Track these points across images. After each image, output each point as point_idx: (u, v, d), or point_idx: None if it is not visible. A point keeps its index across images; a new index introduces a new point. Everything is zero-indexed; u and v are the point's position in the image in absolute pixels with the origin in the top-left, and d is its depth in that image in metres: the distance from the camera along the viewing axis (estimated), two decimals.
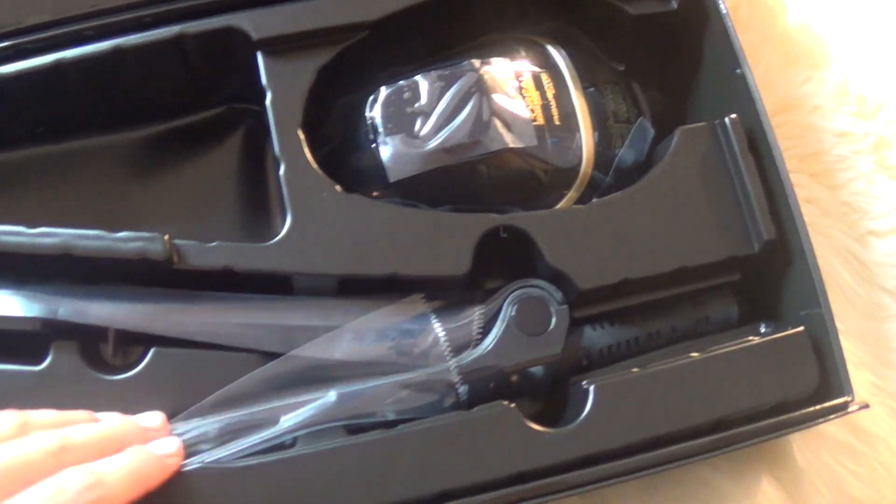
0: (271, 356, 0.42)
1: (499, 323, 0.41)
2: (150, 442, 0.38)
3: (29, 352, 0.44)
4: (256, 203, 0.47)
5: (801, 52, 0.52)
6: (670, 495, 0.46)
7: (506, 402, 0.40)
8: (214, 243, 0.41)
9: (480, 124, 0.42)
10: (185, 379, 0.43)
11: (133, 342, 0.44)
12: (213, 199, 0.47)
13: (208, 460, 0.40)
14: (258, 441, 0.41)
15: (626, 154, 0.44)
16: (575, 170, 0.43)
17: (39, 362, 0.43)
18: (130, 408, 0.42)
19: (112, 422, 0.38)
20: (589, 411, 0.40)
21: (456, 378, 0.41)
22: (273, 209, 0.47)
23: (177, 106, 0.47)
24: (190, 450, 0.40)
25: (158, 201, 0.47)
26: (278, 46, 0.43)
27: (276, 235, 0.41)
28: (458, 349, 0.41)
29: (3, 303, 0.42)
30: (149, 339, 0.43)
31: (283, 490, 0.39)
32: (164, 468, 0.37)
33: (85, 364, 0.43)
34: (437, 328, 0.41)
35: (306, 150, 0.42)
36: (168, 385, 0.43)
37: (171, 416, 0.41)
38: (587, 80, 0.44)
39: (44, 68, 0.43)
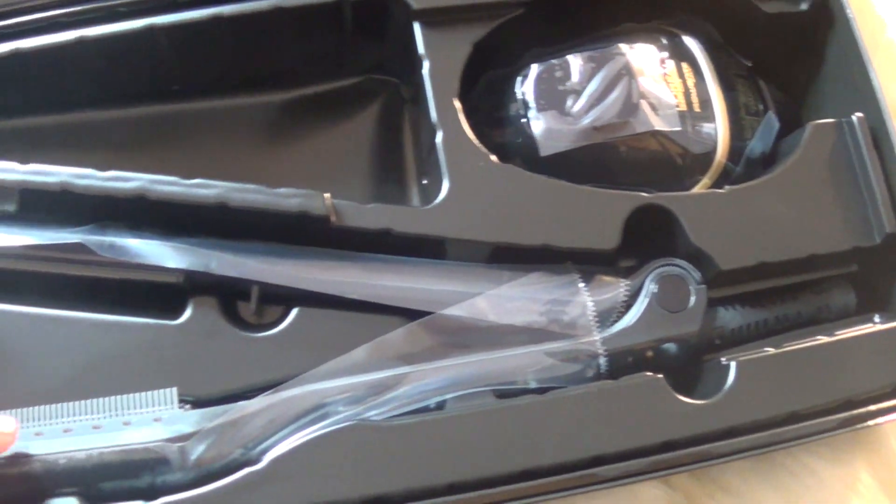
0: (418, 318, 0.43)
1: (641, 298, 0.43)
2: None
3: (164, 306, 0.44)
4: (390, 173, 0.48)
5: None
6: (773, 476, 0.48)
7: (651, 374, 0.41)
8: (372, 205, 0.42)
9: (630, 106, 0.43)
10: (327, 339, 0.43)
11: (273, 301, 0.44)
12: (346, 167, 0.48)
13: (358, 417, 0.40)
14: (405, 401, 0.41)
15: (755, 146, 0.46)
16: (710, 157, 0.45)
17: (177, 316, 0.43)
18: (272, 364, 0.43)
19: None
20: (731, 386, 0.41)
21: (601, 349, 0.42)
22: (409, 180, 0.47)
23: (316, 73, 0.48)
24: (338, 406, 0.41)
25: (290, 166, 0.48)
26: (436, 18, 0.44)
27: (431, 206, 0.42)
28: (601, 321, 0.43)
29: (148, 252, 0.42)
30: (289, 299, 0.44)
31: (435, 450, 0.40)
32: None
33: (225, 320, 0.43)
34: (587, 298, 0.42)
35: (462, 120, 0.43)
36: (311, 344, 0.43)
37: None
38: (721, 73, 0.46)
39: (200, 22, 0.43)
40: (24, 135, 0.47)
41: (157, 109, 0.47)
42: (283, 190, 0.41)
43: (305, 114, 0.48)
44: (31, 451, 0.41)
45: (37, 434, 0.42)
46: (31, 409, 0.43)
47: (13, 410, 0.43)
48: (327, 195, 0.41)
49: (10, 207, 0.43)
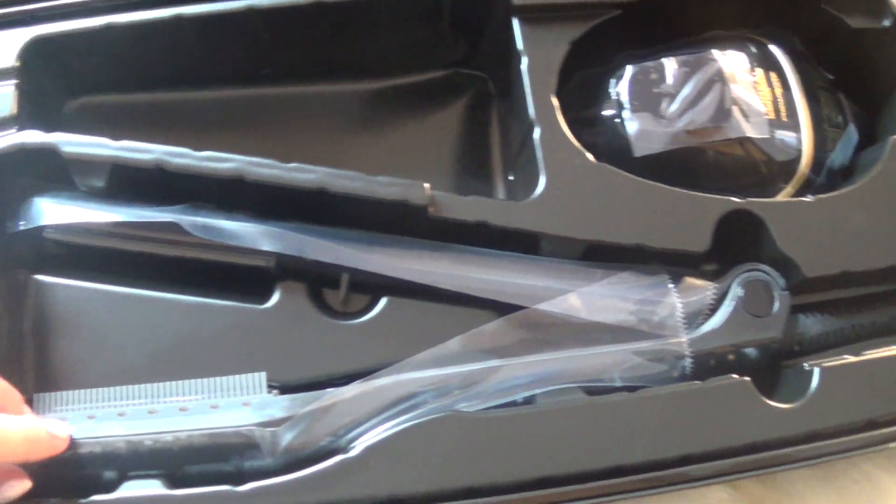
0: (506, 314, 0.43)
1: (727, 301, 0.43)
2: (49, 419, 0.40)
3: (252, 289, 0.43)
4: (475, 167, 0.48)
5: None
6: (835, 483, 0.48)
7: (737, 376, 0.42)
8: (471, 197, 0.42)
9: (722, 111, 0.44)
10: (415, 329, 0.43)
11: (360, 289, 0.44)
12: (430, 159, 0.48)
13: (449, 409, 0.41)
14: (495, 394, 0.41)
15: (835, 157, 0.47)
16: (794, 167, 0.46)
17: (264, 301, 0.43)
18: (359, 353, 0.43)
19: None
20: (814, 391, 0.42)
21: (687, 351, 0.43)
22: (494, 175, 0.48)
23: (405, 64, 0.48)
24: (428, 396, 0.41)
25: (374, 155, 0.48)
26: (535, 15, 0.44)
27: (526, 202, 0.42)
28: (688, 322, 0.43)
29: (242, 235, 0.42)
30: (377, 288, 0.44)
31: (527, 443, 0.40)
32: (52, 448, 0.38)
33: (313, 306, 0.43)
34: (676, 299, 0.43)
35: (560, 117, 0.43)
36: (398, 334, 0.43)
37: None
38: (805, 84, 0.47)
39: (300, 7, 0.43)
40: (112, 112, 0.47)
41: (245, 93, 0.47)
42: (382, 178, 0.41)
43: (392, 104, 0.48)
44: (115, 432, 0.41)
45: (120, 414, 0.42)
46: (115, 388, 0.42)
47: (97, 390, 0.42)
48: (427, 185, 0.41)
49: (99, 183, 0.43)
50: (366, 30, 0.45)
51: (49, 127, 0.43)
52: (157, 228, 0.42)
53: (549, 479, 0.40)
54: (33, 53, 0.44)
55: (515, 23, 0.44)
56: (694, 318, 0.43)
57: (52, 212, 0.43)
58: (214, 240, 0.42)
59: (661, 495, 0.43)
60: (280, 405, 0.41)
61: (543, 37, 0.44)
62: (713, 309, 0.44)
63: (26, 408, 0.40)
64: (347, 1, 0.43)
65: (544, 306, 0.42)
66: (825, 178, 0.47)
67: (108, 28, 0.44)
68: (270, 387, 0.42)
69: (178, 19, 0.43)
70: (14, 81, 0.43)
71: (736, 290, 0.44)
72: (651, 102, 0.44)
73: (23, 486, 0.38)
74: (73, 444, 0.41)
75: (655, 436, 0.40)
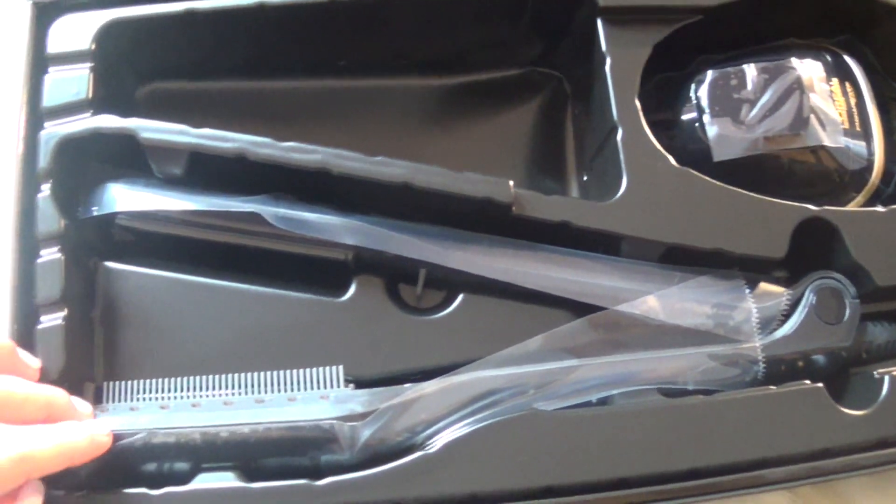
0: (582, 314, 0.43)
1: (800, 308, 0.44)
2: (87, 421, 0.39)
3: (329, 282, 0.43)
4: (548, 167, 0.48)
5: None
6: (890, 491, 0.49)
7: (810, 382, 0.42)
8: (553, 196, 0.42)
9: (801, 120, 0.44)
10: (491, 327, 0.43)
11: (437, 286, 0.44)
12: (504, 157, 0.48)
13: (526, 407, 0.41)
14: (572, 393, 0.42)
15: None
16: (866, 177, 0.46)
17: (341, 294, 0.43)
18: (435, 348, 0.43)
19: (49, 390, 0.39)
20: (885, 398, 0.42)
21: (760, 356, 0.43)
22: (568, 175, 0.48)
23: (481, 61, 0.48)
24: (505, 394, 0.41)
25: (448, 151, 0.48)
26: (619, 17, 0.44)
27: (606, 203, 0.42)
28: (762, 327, 0.43)
29: (324, 227, 0.42)
30: (454, 285, 0.44)
31: (607, 443, 0.40)
32: (96, 447, 0.38)
33: (389, 300, 0.43)
34: (752, 304, 0.43)
35: (642, 120, 0.43)
36: (474, 331, 0.43)
37: (472, 360, 0.42)
38: (877, 95, 0.47)
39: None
40: (183, 99, 0.46)
41: (319, 84, 0.47)
42: (468, 174, 0.41)
43: (467, 101, 0.48)
44: (189, 423, 0.41)
45: (194, 405, 0.41)
46: (188, 378, 0.42)
47: (169, 379, 0.42)
48: (511, 182, 0.41)
49: (177, 171, 0.42)
50: (446, 26, 0.45)
51: (120, 113, 0.42)
52: (238, 218, 0.42)
53: (627, 480, 0.40)
54: (109, 37, 0.43)
55: (600, 24, 0.44)
56: (768, 323, 0.44)
57: (126, 198, 0.42)
58: (295, 231, 0.41)
59: (726, 499, 0.44)
60: (359, 399, 0.41)
61: (627, 39, 0.44)
62: (786, 315, 0.44)
63: (78, 401, 0.40)
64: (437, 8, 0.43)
65: (623, 307, 0.42)
66: (894, 188, 0.47)
67: (189, 13, 0.43)
68: (349, 381, 0.42)
69: (261, 7, 0.43)
70: (89, 65, 0.42)
71: (809, 298, 0.44)
72: (731, 108, 0.44)
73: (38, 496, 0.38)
74: (143, 435, 0.40)
75: (732, 439, 0.41)
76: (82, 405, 0.40)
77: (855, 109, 0.46)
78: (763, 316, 0.43)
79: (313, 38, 0.45)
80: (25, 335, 0.40)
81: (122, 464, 0.40)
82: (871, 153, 0.46)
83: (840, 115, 0.45)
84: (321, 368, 0.42)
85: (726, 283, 0.43)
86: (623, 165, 0.43)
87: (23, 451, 0.36)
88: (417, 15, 0.44)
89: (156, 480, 0.40)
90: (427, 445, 0.40)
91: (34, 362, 0.40)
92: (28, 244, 0.41)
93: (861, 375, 0.44)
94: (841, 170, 0.46)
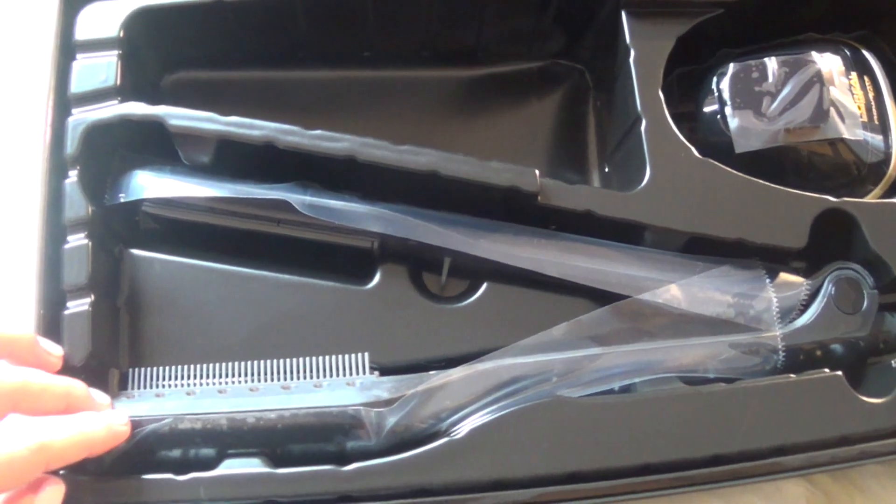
0: (605, 302, 0.43)
1: (819, 298, 0.44)
2: (105, 411, 0.40)
3: (354, 270, 0.44)
4: (570, 157, 0.48)
5: None
6: None
7: (829, 371, 0.43)
8: (578, 186, 0.42)
9: (821, 112, 0.45)
10: (515, 315, 0.44)
11: (460, 274, 0.44)
12: (527, 147, 0.49)
13: (550, 395, 0.41)
14: (595, 381, 0.42)
15: None
16: (883, 169, 0.47)
17: (366, 282, 0.43)
18: (459, 335, 0.43)
19: (67, 381, 0.39)
20: None
21: (780, 345, 0.43)
22: (590, 166, 0.48)
23: (505, 53, 0.48)
24: (529, 382, 0.42)
25: (472, 141, 0.48)
26: (642, 10, 0.45)
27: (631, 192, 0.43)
28: (782, 317, 0.44)
29: (350, 215, 0.42)
30: (477, 274, 0.44)
31: (630, 430, 0.41)
32: (114, 436, 0.39)
33: (414, 288, 0.43)
34: (772, 294, 0.44)
35: (666, 111, 0.44)
36: (498, 319, 0.44)
37: (496, 348, 0.42)
38: (895, 89, 0.48)
39: None
40: (208, 88, 0.47)
41: (344, 74, 0.47)
42: (494, 163, 0.41)
43: (491, 92, 0.48)
44: (216, 409, 0.41)
45: (220, 391, 0.42)
46: (213, 365, 0.42)
47: (194, 366, 0.42)
48: (537, 171, 0.41)
49: (205, 158, 0.42)
50: (471, 18, 0.45)
51: (146, 101, 0.43)
52: (264, 206, 0.42)
53: (650, 466, 0.41)
54: (137, 24, 0.44)
55: (624, 17, 0.45)
56: (787, 312, 0.44)
57: (152, 185, 0.42)
58: (321, 218, 0.42)
59: (741, 487, 0.44)
60: (385, 386, 0.41)
61: (651, 31, 0.45)
62: (805, 305, 0.44)
63: (97, 392, 0.40)
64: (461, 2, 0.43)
65: (646, 296, 0.43)
66: None
67: (218, 2, 0.43)
68: (373, 368, 0.42)
69: (292, 1, 0.43)
70: (117, 52, 0.43)
71: (828, 288, 0.44)
72: (752, 100, 0.45)
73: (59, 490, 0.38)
74: (169, 422, 0.41)
75: (752, 426, 0.41)
76: (100, 396, 0.41)
77: (873, 103, 0.47)
78: (783, 305, 0.44)
79: (339, 28, 0.45)
80: (51, 321, 0.41)
81: (148, 450, 0.41)
82: (888, 146, 0.47)
83: (859, 108, 0.46)
84: (347, 355, 0.42)
85: (747, 273, 0.44)
86: (647, 156, 0.43)
87: (41, 441, 0.36)
88: (443, 6, 0.44)
89: (182, 466, 0.40)
90: (452, 432, 0.41)
91: (56, 350, 0.40)
92: (55, 230, 0.41)
93: (879, 365, 0.45)
94: (859, 162, 0.46)
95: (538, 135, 0.49)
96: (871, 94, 0.47)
